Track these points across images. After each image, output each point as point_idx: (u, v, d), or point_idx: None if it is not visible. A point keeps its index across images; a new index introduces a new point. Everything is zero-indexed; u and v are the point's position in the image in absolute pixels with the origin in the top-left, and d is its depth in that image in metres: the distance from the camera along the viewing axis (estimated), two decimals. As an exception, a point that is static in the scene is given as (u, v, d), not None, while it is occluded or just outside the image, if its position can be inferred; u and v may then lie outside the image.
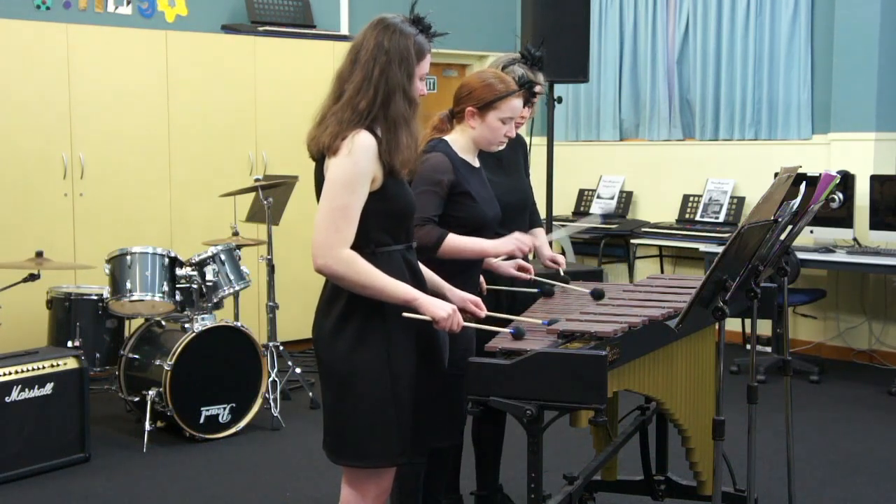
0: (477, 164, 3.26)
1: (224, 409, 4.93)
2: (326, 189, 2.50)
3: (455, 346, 2.91)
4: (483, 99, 3.13)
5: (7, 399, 4.32)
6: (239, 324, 5.07)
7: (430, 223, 3.04)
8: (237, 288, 5.19)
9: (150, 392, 4.78)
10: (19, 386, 4.36)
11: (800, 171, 3.17)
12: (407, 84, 2.56)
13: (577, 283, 3.51)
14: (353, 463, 2.63)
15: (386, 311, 2.58)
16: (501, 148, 3.26)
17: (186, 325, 4.93)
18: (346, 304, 2.57)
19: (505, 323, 2.84)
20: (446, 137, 3.21)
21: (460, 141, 3.20)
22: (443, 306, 2.58)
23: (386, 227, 2.60)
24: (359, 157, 2.48)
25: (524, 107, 3.28)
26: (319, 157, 2.59)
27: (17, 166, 5.64)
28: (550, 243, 3.84)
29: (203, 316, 5.02)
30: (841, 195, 6.09)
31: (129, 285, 4.87)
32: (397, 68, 2.54)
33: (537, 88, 3.54)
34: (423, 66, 2.61)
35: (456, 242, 3.06)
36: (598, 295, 3.28)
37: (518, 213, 3.61)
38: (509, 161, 3.61)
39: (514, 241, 3.17)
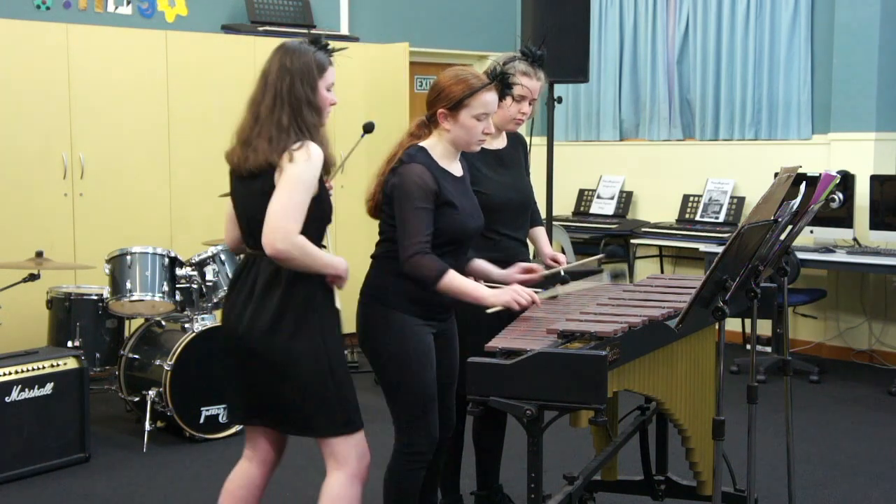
0: (459, 172, 3.11)
1: (224, 409, 4.92)
2: (288, 186, 2.77)
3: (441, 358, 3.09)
4: (453, 98, 2.99)
5: (7, 399, 4.32)
6: (239, 324, 5.06)
7: (429, 250, 2.92)
8: (237, 288, 5.19)
9: (150, 392, 4.78)
10: (19, 386, 4.36)
11: (800, 171, 3.17)
12: (311, 96, 2.85)
13: (578, 283, 3.51)
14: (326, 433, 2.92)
15: (316, 302, 2.88)
16: (478, 148, 3.11)
17: (186, 325, 4.92)
18: (281, 299, 2.85)
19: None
20: (424, 144, 3.06)
21: (438, 147, 3.06)
22: (342, 264, 2.90)
23: (315, 230, 2.87)
24: (316, 164, 2.80)
25: (501, 100, 3.13)
26: (256, 172, 2.83)
27: (17, 166, 5.64)
28: (551, 242, 3.83)
29: (203, 316, 5.02)
30: (841, 195, 6.09)
31: (129, 285, 4.87)
32: (300, 84, 2.83)
33: (530, 84, 3.46)
34: (328, 77, 2.89)
35: (454, 283, 2.92)
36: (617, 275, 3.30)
37: (520, 211, 3.60)
38: (511, 159, 3.61)
39: (512, 293, 2.98)
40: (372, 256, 3.13)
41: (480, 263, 3.25)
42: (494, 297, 2.96)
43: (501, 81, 3.07)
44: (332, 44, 2.94)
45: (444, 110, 3.01)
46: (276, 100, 2.83)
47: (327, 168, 2.88)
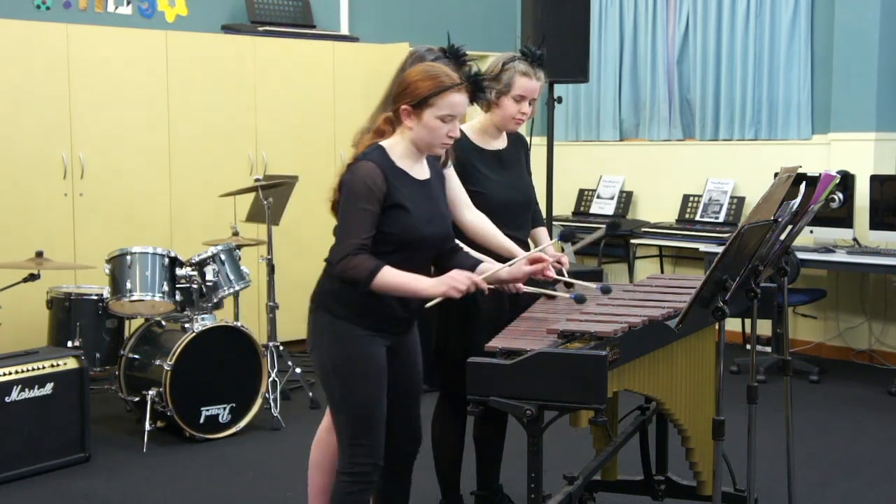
0: (422, 175, 2.90)
1: (224, 409, 4.93)
2: None
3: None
4: (418, 95, 2.77)
5: (7, 399, 4.32)
6: (239, 324, 5.07)
7: (363, 251, 2.72)
8: (237, 288, 5.19)
9: (150, 392, 4.77)
10: (19, 386, 4.36)
11: (800, 171, 3.17)
12: None
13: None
14: None
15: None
16: (442, 151, 2.93)
17: (186, 325, 4.92)
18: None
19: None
20: (384, 143, 2.85)
21: (399, 146, 2.85)
22: None
23: None
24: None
25: (472, 103, 2.92)
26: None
27: (17, 166, 5.64)
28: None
29: (203, 316, 5.02)
30: (841, 195, 6.09)
31: (129, 285, 4.87)
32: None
33: (529, 84, 3.43)
34: None
35: (388, 279, 2.72)
36: (605, 290, 3.29)
37: (521, 211, 3.60)
38: (511, 158, 3.60)
39: (449, 280, 2.77)
40: (325, 261, 2.89)
41: (487, 266, 3.06)
42: (432, 289, 2.76)
43: (474, 84, 2.88)
44: (468, 54, 3.17)
45: (407, 107, 2.81)
46: (387, 97, 3.12)
47: None
